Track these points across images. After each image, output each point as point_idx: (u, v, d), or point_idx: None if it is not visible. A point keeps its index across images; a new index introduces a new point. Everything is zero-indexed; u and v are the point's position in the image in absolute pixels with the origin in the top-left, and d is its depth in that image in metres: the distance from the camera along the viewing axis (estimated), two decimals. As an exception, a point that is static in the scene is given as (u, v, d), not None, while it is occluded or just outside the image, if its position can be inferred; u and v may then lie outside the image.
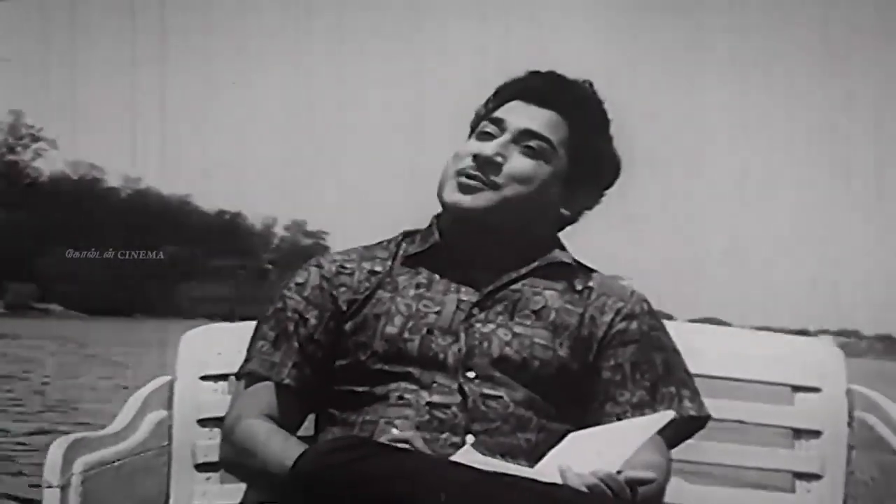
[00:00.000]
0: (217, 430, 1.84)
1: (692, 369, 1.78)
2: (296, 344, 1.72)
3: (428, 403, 1.64)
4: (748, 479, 2.08)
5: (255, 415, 1.69)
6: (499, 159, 1.71)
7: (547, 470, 1.45)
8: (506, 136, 1.73)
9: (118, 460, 1.71)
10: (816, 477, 1.94)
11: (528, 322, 1.70)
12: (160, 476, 1.88)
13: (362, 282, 1.75)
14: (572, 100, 1.77)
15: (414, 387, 1.65)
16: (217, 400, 1.90)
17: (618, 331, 1.73)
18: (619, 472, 1.43)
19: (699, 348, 1.90)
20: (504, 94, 1.79)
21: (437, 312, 1.70)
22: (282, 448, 1.60)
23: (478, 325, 1.69)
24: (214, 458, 1.85)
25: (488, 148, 1.72)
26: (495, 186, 1.71)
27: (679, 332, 1.80)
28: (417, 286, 1.73)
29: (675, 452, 1.73)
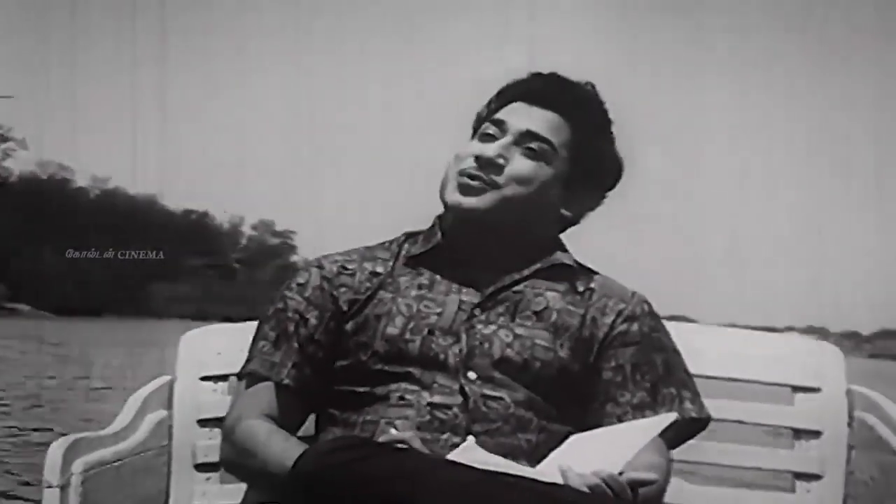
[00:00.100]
0: (217, 431, 1.85)
1: (692, 369, 1.78)
2: (296, 344, 1.72)
3: (429, 404, 1.64)
4: (748, 479, 2.08)
5: (255, 415, 1.69)
6: (500, 160, 1.71)
7: (548, 470, 1.45)
8: (507, 138, 1.73)
9: (118, 460, 1.71)
10: (816, 477, 1.94)
11: (530, 323, 1.70)
12: (160, 476, 1.88)
13: (363, 282, 1.75)
14: (574, 101, 1.77)
15: (415, 387, 1.65)
16: (217, 400, 1.91)
17: (619, 332, 1.73)
18: (620, 474, 1.43)
19: (699, 348, 1.90)
20: (506, 95, 1.79)
21: (439, 313, 1.70)
22: (282, 448, 1.60)
23: (479, 326, 1.69)
24: (214, 458, 1.85)
25: (490, 149, 1.72)
26: (496, 187, 1.71)
27: (679, 333, 1.80)
28: (419, 287, 1.73)
29: (675, 452, 1.73)
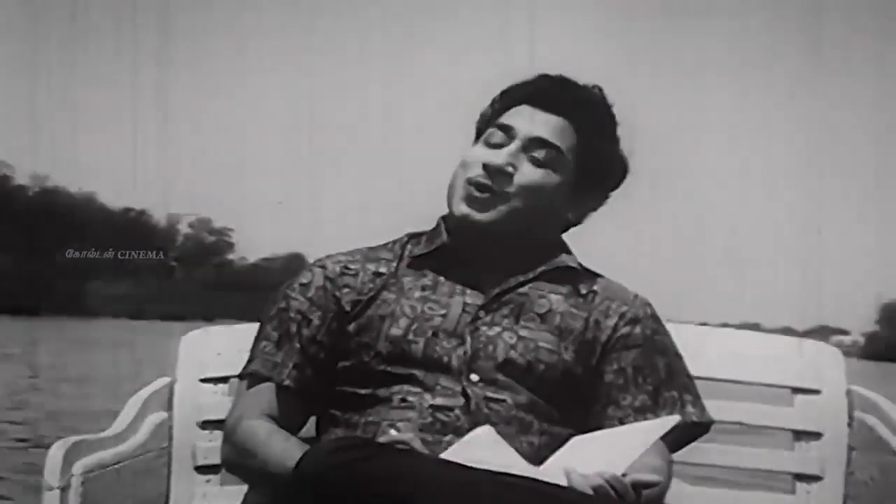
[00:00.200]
0: (217, 432, 1.84)
1: (692, 371, 1.78)
2: (298, 345, 1.72)
3: (431, 406, 1.64)
4: (748, 480, 2.08)
5: (256, 415, 1.68)
6: (509, 169, 1.71)
7: (551, 471, 1.45)
8: (515, 144, 1.72)
9: (118, 462, 1.71)
10: (816, 478, 1.94)
11: (534, 325, 1.70)
12: (160, 478, 1.88)
13: (367, 283, 1.74)
14: (581, 105, 1.76)
15: (417, 389, 1.65)
16: (217, 402, 1.91)
17: (621, 335, 1.72)
18: (623, 475, 1.43)
19: (699, 349, 1.90)
20: (511, 96, 1.78)
21: (443, 315, 1.70)
22: (283, 449, 1.60)
23: (483, 328, 1.69)
24: (215, 459, 1.85)
25: (499, 157, 1.71)
26: (506, 197, 1.70)
27: (679, 334, 1.80)
28: (423, 288, 1.73)
29: (675, 454, 1.73)
